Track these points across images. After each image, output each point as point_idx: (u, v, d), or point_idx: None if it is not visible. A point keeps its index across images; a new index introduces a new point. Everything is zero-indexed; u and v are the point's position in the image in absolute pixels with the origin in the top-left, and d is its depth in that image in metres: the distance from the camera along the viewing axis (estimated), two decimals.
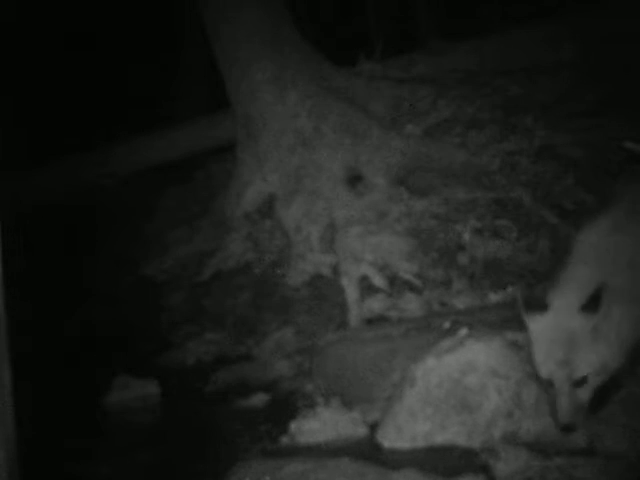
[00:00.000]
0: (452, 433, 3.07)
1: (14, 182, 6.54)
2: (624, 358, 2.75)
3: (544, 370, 2.70)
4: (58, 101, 8.58)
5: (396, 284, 4.73)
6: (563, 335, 2.67)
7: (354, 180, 5.46)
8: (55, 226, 6.59)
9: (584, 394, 2.69)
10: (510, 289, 4.48)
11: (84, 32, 9.16)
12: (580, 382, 2.67)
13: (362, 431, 3.37)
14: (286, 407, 3.86)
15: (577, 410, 2.67)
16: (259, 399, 4.04)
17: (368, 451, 3.15)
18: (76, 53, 9.07)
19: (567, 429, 2.68)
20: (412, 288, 4.67)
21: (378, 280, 4.72)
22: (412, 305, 4.57)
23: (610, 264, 2.77)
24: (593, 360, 2.66)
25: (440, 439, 3.08)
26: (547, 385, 2.73)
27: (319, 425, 3.40)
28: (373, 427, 3.34)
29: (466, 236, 4.86)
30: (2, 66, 5.74)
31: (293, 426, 3.44)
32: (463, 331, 3.28)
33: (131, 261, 6.30)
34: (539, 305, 2.75)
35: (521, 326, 3.24)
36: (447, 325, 3.60)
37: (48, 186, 7.43)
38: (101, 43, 9.17)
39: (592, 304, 2.64)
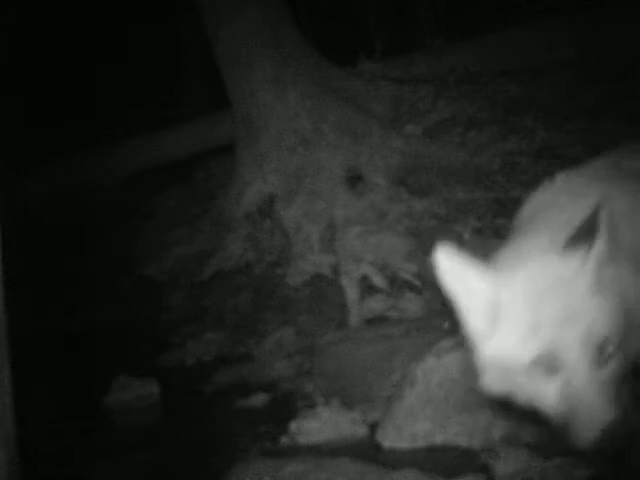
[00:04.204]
0: (452, 433, 3.07)
1: (14, 182, 6.54)
2: None
3: None
4: (57, 101, 8.58)
5: (396, 284, 4.73)
6: None
7: (354, 180, 5.45)
8: (55, 226, 6.58)
9: None
10: None
11: (84, 31, 9.16)
12: None
13: (362, 431, 3.37)
14: (286, 407, 3.86)
15: None
16: (259, 399, 4.04)
17: (368, 451, 3.15)
18: (76, 53, 9.06)
19: None
20: (412, 288, 4.67)
21: (378, 280, 4.72)
22: (412, 305, 4.57)
23: None
24: None
25: (440, 439, 3.08)
26: None
27: (319, 425, 3.40)
28: (373, 427, 3.34)
29: (466, 236, 4.85)
30: (2, 66, 5.73)
31: (293, 426, 3.44)
32: None
33: (131, 261, 6.30)
34: None
35: None
36: (447, 325, 3.60)
37: (48, 186, 7.43)
38: (101, 42, 9.17)
39: None
